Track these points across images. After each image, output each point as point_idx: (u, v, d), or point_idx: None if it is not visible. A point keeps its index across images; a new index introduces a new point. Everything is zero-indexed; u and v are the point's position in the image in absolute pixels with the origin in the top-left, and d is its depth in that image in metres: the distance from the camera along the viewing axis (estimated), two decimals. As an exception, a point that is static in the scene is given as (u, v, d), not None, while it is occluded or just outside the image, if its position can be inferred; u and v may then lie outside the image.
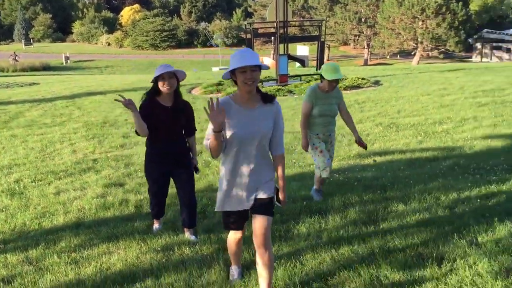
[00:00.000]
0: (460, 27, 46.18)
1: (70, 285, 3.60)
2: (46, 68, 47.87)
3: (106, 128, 11.59)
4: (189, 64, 55.62)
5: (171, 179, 4.39)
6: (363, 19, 54.76)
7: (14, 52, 50.98)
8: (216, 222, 4.77)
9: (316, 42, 18.12)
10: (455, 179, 5.79)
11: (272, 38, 19.33)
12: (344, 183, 5.88)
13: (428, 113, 11.42)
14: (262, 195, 3.06)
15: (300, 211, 4.87)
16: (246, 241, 3.72)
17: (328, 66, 4.93)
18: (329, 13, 54.94)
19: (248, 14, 72.48)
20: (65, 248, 4.34)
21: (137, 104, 4.06)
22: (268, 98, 3.01)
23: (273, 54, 37.20)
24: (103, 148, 9.40)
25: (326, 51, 45.79)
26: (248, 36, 18.78)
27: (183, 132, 4.29)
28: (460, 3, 46.11)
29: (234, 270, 3.54)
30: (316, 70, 18.33)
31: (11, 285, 3.69)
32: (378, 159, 7.40)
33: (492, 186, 5.31)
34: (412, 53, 52.80)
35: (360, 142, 5.29)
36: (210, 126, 2.94)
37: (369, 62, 53.85)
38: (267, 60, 19.23)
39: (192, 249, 4.07)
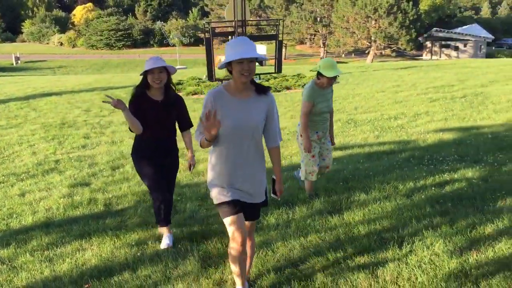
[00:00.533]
0: (411, 26, 47.86)
1: (46, 282, 3.65)
2: (-5, 69, 46.10)
3: (65, 129, 11.41)
4: (146, 64, 54.87)
5: None
6: (318, 19, 55.72)
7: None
8: (187, 216, 4.89)
9: (274, 41, 18.39)
10: (411, 169, 6.14)
11: (230, 37, 19.48)
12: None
13: (384, 109, 11.90)
14: (254, 200, 3.05)
15: (269, 203, 5.05)
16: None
17: (326, 63, 4.81)
18: (285, 12, 55.60)
19: (204, 13, 72.24)
20: (37, 247, 4.36)
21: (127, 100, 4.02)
22: (262, 90, 2.96)
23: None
24: (64, 149, 9.28)
25: (284, 50, 46.32)
26: (207, 35, 18.85)
27: (175, 127, 4.17)
28: (411, 2, 47.76)
29: None
30: (274, 69, 18.59)
31: (-15, 284, 3.70)
32: (339, 153, 7.70)
33: (445, 175, 5.68)
34: (366, 52, 54.21)
35: (331, 139, 5.31)
36: (200, 127, 2.92)
37: (325, 61, 54.71)
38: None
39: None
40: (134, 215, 5.04)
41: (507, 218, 4.08)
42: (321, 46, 57.06)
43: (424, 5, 61.14)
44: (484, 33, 55.39)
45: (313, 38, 59.16)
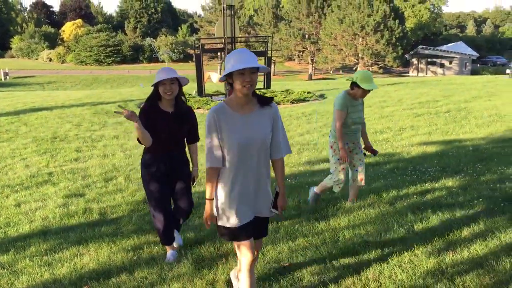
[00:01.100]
0: (397, 43, 48.76)
1: (47, 284, 3.82)
2: (-16, 84, 45.92)
3: (57, 143, 11.55)
4: (136, 80, 55.05)
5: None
6: (306, 36, 56.53)
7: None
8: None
9: (263, 58, 18.77)
10: (394, 180, 6.42)
11: (219, 53, 19.85)
12: (297, 186, 6.36)
13: (370, 123, 12.23)
14: (262, 214, 2.99)
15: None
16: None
17: (364, 75, 4.76)
18: (274, 29, 56.38)
19: (193, 30, 72.93)
20: (36, 253, 4.52)
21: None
22: (265, 101, 2.88)
23: (220, 70, 37.70)
24: (56, 162, 9.43)
25: (272, 66, 46.84)
26: (197, 51, 19.18)
27: (184, 139, 4.08)
28: (397, 20, 48.74)
29: None
30: (263, 85, 18.90)
31: (-13, 287, 3.85)
32: (326, 165, 7.95)
33: (426, 184, 5.96)
34: (354, 68, 54.99)
35: (371, 149, 5.27)
36: (211, 149, 2.83)
37: (313, 77, 55.50)
38: (215, 76, 19.67)
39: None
40: (129, 223, 5.22)
41: (483, 222, 4.35)
42: (310, 62, 57.81)
43: (410, 23, 62.40)
44: (469, 51, 56.54)
45: (302, 55, 59.93)
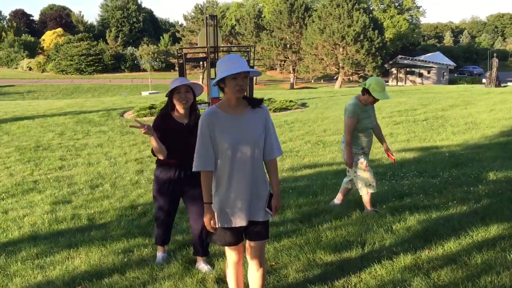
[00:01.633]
0: (377, 53, 49.68)
1: (41, 286, 3.94)
2: (-39, 93, 45.26)
3: (40, 151, 11.57)
4: (118, 89, 54.90)
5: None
6: (288, 45, 57.16)
7: None
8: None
9: (246, 67, 18.91)
10: (374, 184, 6.66)
11: (201, 62, 20.02)
12: (280, 191, 6.54)
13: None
14: (258, 218, 2.97)
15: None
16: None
17: (377, 84, 4.76)
18: (256, 39, 56.84)
19: (175, 39, 73.03)
20: (27, 257, 4.62)
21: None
22: (256, 102, 2.94)
23: (203, 79, 37.87)
24: (41, 170, 9.47)
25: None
26: (180, 61, 19.33)
27: None
28: (376, 31, 49.68)
29: None
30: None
31: (-19, 289, 3.95)
32: (309, 171, 8.19)
33: (404, 188, 6.22)
34: (335, 78, 55.77)
35: (389, 153, 5.31)
36: (202, 152, 2.91)
37: (295, 86, 56.09)
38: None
39: (150, 250, 4.52)
40: (118, 227, 5.35)
41: (457, 222, 4.60)
42: (291, 72, 58.42)
43: (389, 34, 63.55)
44: (446, 61, 57.85)
45: (283, 64, 60.56)
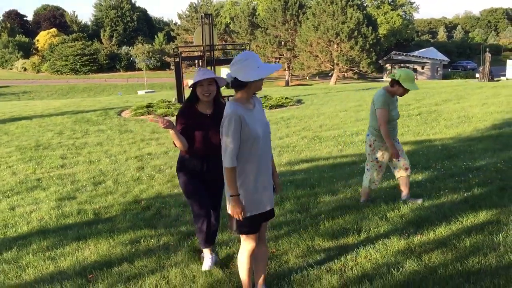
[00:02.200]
0: (371, 49, 49.98)
1: (53, 275, 4.14)
2: (-43, 95, 45.25)
3: (41, 151, 11.72)
4: (113, 88, 54.98)
5: None
6: (283, 43, 57.39)
7: None
8: (172, 219, 5.46)
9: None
10: (370, 176, 6.90)
11: (196, 61, 20.24)
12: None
13: (346, 126, 12.78)
14: (273, 203, 3.27)
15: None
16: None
17: (408, 75, 4.80)
18: (251, 37, 57.07)
19: (170, 38, 73.12)
20: (38, 249, 4.82)
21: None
22: (257, 99, 3.25)
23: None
24: (43, 168, 9.64)
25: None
26: (176, 59, 19.53)
27: None
28: (370, 27, 49.98)
29: None
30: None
31: (-3, 279, 4.15)
32: (306, 165, 8.41)
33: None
34: (330, 74, 56.02)
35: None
36: (233, 149, 2.99)
37: (290, 83, 56.33)
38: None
39: (156, 240, 4.73)
40: (124, 220, 5.56)
41: (447, 209, 4.84)
42: (286, 69, 58.65)
43: (383, 30, 63.91)
44: (440, 56, 58.23)
45: (278, 62, 60.78)
